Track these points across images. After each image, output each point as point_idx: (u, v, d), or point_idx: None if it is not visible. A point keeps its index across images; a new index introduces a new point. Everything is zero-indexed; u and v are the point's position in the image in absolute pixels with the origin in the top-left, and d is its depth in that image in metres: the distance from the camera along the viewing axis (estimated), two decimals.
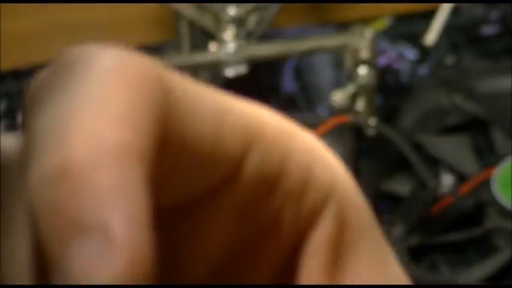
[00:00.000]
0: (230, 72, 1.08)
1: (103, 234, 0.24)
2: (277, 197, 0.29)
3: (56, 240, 0.25)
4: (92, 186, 0.24)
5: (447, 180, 1.02)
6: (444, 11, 1.19)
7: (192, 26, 1.12)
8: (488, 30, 1.20)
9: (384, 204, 1.04)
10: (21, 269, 0.28)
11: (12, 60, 1.11)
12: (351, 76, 1.10)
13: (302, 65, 1.18)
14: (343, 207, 0.30)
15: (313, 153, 0.29)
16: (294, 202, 0.29)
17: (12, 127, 1.07)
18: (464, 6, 1.21)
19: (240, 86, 1.08)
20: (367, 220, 0.31)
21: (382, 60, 1.17)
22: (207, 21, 1.12)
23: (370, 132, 1.08)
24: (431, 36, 1.19)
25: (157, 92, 0.25)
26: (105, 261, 0.24)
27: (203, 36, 1.12)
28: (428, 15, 1.20)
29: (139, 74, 0.25)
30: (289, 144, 0.29)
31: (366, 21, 1.18)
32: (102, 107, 0.25)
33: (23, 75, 1.10)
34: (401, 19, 1.22)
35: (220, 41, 1.09)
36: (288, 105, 1.14)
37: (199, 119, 0.26)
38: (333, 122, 1.06)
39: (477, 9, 1.22)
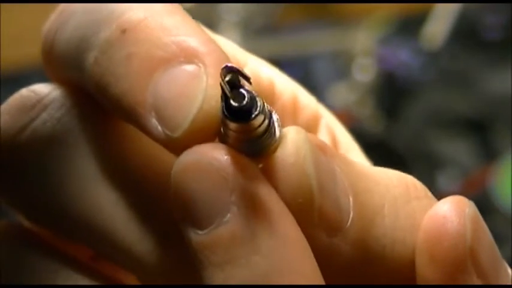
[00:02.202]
0: None
1: (188, 56, 0.25)
2: (276, 111, 0.32)
3: (139, 79, 0.25)
4: (156, 28, 0.25)
5: (446, 180, 1.02)
6: (446, 12, 1.19)
7: None
8: (490, 32, 1.20)
9: None
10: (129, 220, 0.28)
11: (12, 60, 1.11)
12: (351, 76, 1.10)
13: (302, 66, 1.18)
14: (331, 125, 0.36)
15: (294, 84, 0.35)
16: (290, 118, 0.33)
17: None
18: (467, 8, 1.21)
19: None
20: (351, 140, 0.36)
21: (383, 62, 1.17)
22: (206, 22, 1.11)
23: (370, 132, 1.08)
24: (433, 38, 1.19)
25: None
26: (200, 76, 0.24)
27: None
28: (430, 17, 1.20)
29: None
30: (273, 72, 0.34)
31: (366, 21, 1.18)
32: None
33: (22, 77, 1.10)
34: (402, 20, 1.22)
35: None
36: None
37: None
38: None
39: (479, 12, 1.22)
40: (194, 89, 0.25)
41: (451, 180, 1.03)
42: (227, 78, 0.25)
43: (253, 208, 0.25)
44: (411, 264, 0.29)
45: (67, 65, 0.29)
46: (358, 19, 1.18)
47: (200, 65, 0.26)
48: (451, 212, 0.29)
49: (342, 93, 1.10)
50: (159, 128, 0.26)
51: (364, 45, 1.10)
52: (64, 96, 0.30)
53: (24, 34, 1.15)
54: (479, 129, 1.09)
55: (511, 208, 0.99)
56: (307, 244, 0.26)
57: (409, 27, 1.21)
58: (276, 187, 0.26)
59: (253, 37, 1.12)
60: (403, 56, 1.19)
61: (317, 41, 1.14)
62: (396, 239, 0.28)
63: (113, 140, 0.29)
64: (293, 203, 0.26)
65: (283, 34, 1.21)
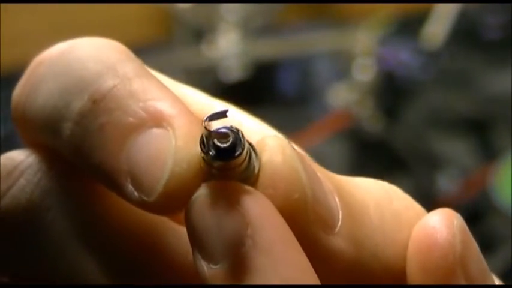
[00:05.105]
0: (230, 73, 1.08)
1: (157, 120, 0.25)
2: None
3: (113, 147, 0.25)
4: (124, 96, 0.25)
5: (446, 180, 1.02)
6: (446, 12, 1.19)
7: (189, 26, 1.12)
8: (490, 32, 1.20)
9: None
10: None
11: (12, 61, 1.11)
12: (351, 76, 1.10)
13: (302, 66, 1.18)
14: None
15: (263, 126, 0.34)
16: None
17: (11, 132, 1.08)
18: (467, 8, 1.21)
19: (239, 87, 1.08)
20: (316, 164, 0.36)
21: (383, 62, 1.17)
22: (206, 22, 1.12)
23: (370, 132, 1.08)
24: (433, 38, 1.19)
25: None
26: (169, 139, 0.25)
27: (198, 38, 1.12)
28: (430, 17, 1.20)
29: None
30: (242, 115, 0.34)
31: (366, 21, 1.18)
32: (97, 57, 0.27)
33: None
34: (402, 20, 1.22)
35: (218, 42, 1.09)
36: (286, 105, 1.14)
37: None
38: (333, 123, 1.06)
39: (479, 12, 1.22)
40: (164, 153, 0.26)
41: (451, 180, 1.03)
42: (207, 126, 0.25)
43: (267, 241, 0.25)
44: (402, 264, 0.29)
45: (40, 131, 0.30)
46: (358, 19, 1.18)
47: (169, 128, 0.26)
48: (441, 223, 0.29)
49: (342, 93, 1.10)
50: (136, 193, 0.26)
51: (364, 45, 1.10)
52: (40, 160, 0.30)
53: (24, 34, 1.15)
54: (479, 129, 1.09)
55: (511, 208, 0.99)
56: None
57: (409, 27, 1.21)
58: (268, 193, 0.26)
59: (253, 37, 1.12)
60: (403, 56, 1.19)
61: (317, 41, 1.14)
62: (386, 237, 0.29)
63: (91, 198, 0.29)
64: (288, 201, 0.26)
65: (283, 34, 1.21)
